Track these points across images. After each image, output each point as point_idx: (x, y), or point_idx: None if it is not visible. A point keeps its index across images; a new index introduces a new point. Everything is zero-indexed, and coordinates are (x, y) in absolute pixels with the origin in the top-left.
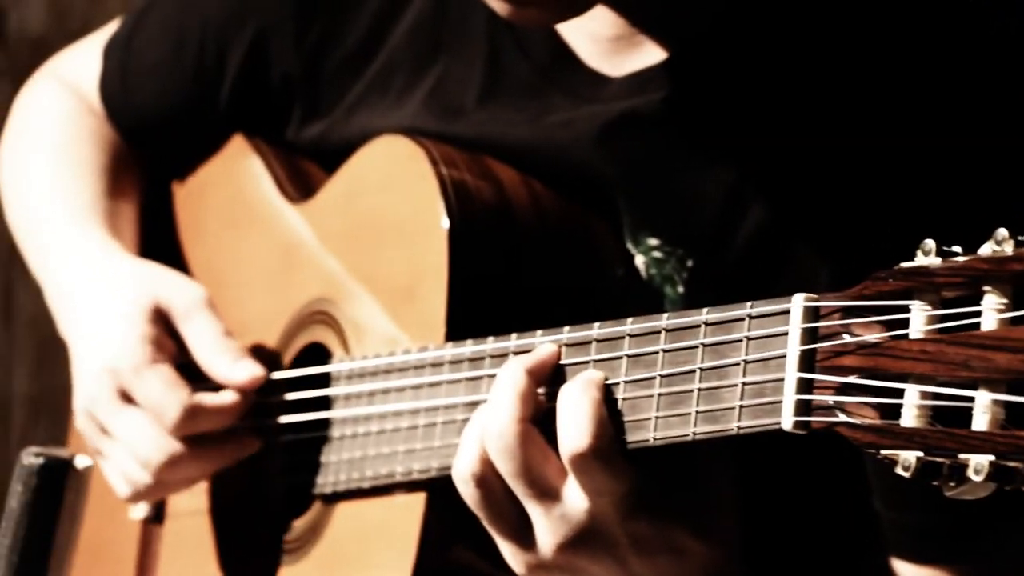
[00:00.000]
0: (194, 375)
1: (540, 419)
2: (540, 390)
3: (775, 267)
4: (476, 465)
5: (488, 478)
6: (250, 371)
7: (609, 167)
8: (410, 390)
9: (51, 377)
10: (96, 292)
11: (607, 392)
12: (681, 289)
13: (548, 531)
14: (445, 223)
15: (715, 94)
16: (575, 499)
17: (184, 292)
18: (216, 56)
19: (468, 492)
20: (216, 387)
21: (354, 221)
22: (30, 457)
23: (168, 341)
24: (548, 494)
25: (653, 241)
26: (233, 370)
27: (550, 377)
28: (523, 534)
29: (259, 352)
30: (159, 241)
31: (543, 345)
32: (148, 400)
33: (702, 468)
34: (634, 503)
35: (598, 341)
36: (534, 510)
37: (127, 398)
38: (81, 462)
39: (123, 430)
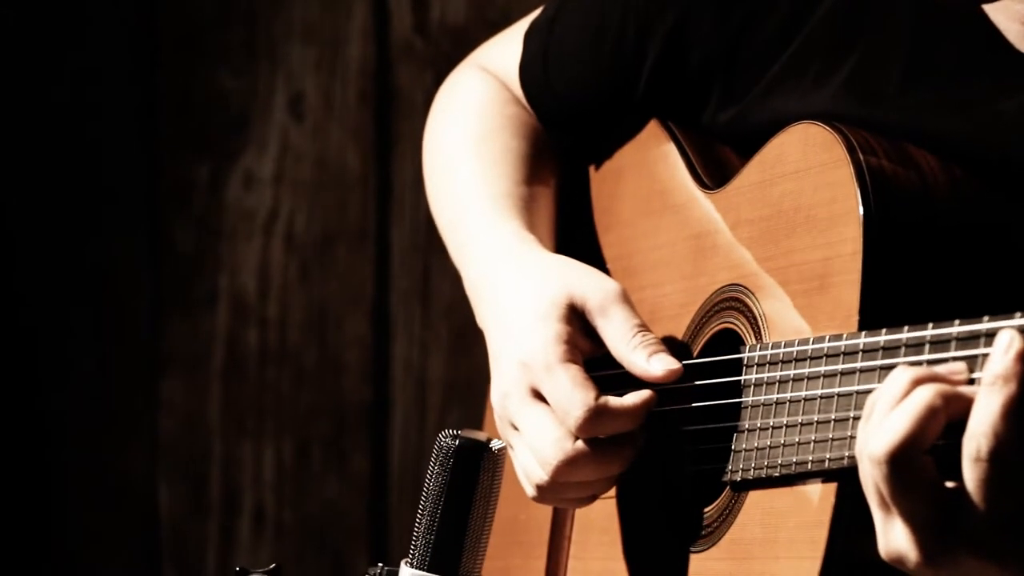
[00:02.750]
0: (609, 382)
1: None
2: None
3: None
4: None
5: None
6: (667, 364)
7: None
8: (823, 378)
9: (466, 363)
10: (512, 288)
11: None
12: None
13: (910, 536)
14: (861, 211)
15: None
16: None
17: (600, 287)
18: (636, 42)
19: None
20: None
21: (767, 208)
22: (447, 439)
23: (582, 339)
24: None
25: None
26: (651, 364)
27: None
28: (887, 529)
29: (670, 340)
30: (573, 225)
31: (957, 364)
32: (555, 398)
33: None
34: None
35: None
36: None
37: (538, 395)
38: (496, 445)
39: (528, 426)
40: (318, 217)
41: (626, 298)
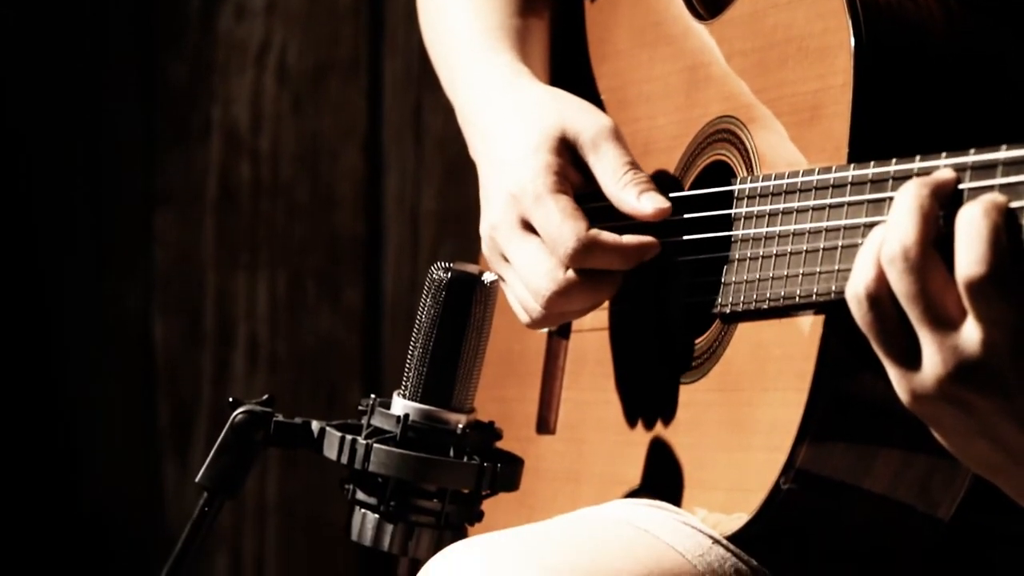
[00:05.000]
0: (598, 215)
1: (938, 244)
2: (939, 213)
3: None
4: (871, 284)
5: (882, 298)
6: (657, 203)
7: None
8: (812, 211)
9: (458, 196)
10: (505, 120)
11: (1010, 217)
12: None
13: (938, 360)
14: (852, 42)
15: None
16: (969, 328)
17: (594, 122)
18: None
19: (860, 312)
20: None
21: (760, 39)
22: (439, 271)
23: (573, 172)
24: (942, 321)
25: None
26: (640, 202)
27: (949, 200)
28: (911, 360)
29: (663, 172)
30: (568, 56)
31: (943, 170)
32: (545, 229)
33: None
34: None
35: (1005, 164)
36: (925, 336)
37: (528, 226)
38: (488, 277)
39: (520, 257)
40: (310, 49)
41: (619, 135)
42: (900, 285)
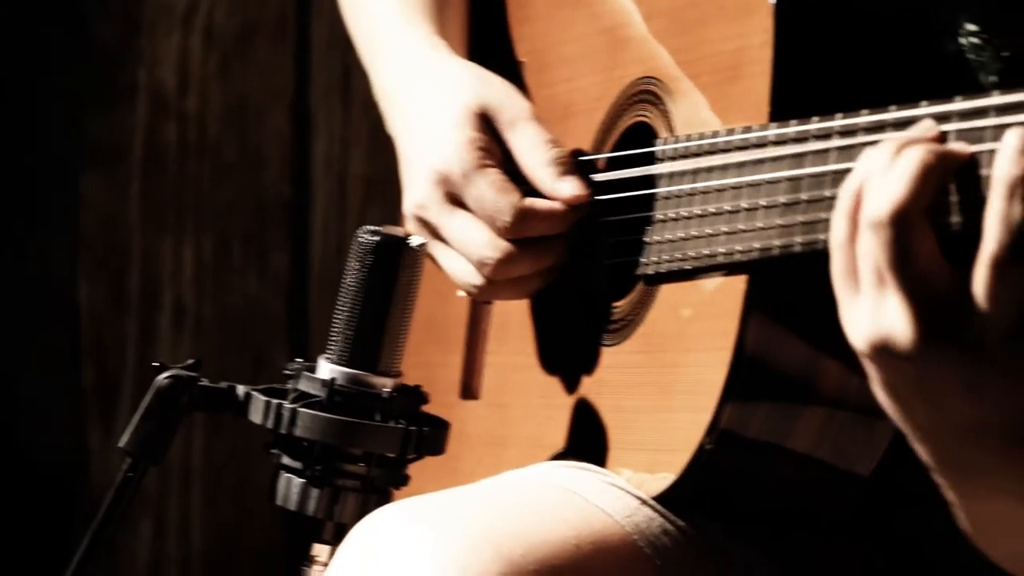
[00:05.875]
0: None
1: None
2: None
3: None
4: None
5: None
6: (574, 187)
7: None
8: (733, 169)
9: (386, 160)
10: (425, 96)
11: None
12: (992, 79)
13: (906, 312)
14: None
15: None
16: (967, 300)
17: (512, 99)
18: None
19: (837, 265)
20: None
21: None
22: (366, 235)
23: (495, 148)
24: (924, 285)
25: (971, 27)
26: (558, 185)
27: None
28: (878, 308)
29: (585, 134)
30: (488, 22)
31: (926, 122)
32: (479, 203)
33: None
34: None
35: (941, 118)
36: (902, 299)
37: (457, 202)
38: (416, 241)
39: (456, 233)
40: (237, 10)
41: (539, 118)
42: (879, 249)
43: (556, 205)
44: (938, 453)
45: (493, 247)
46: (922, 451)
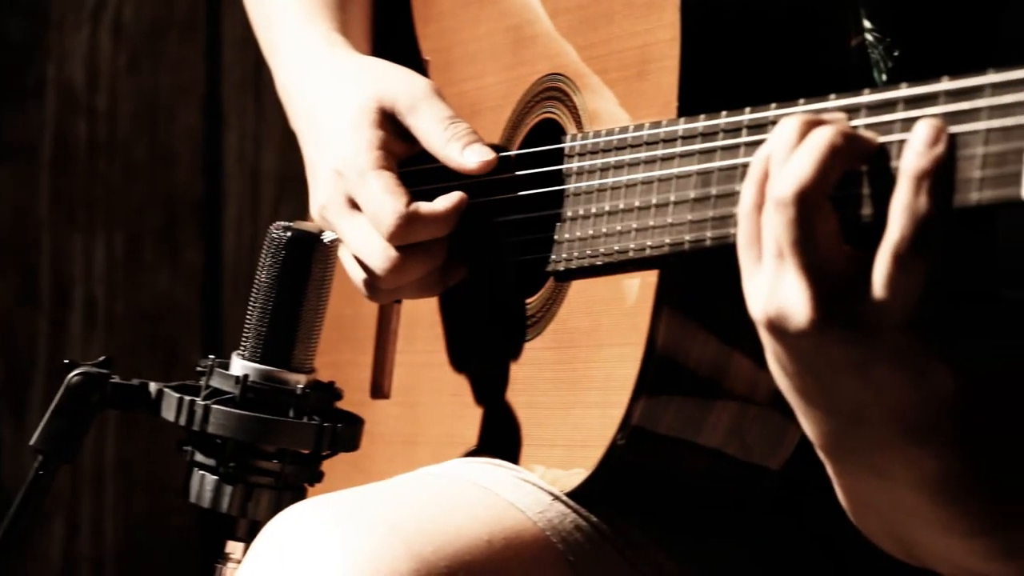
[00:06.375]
0: (429, 176)
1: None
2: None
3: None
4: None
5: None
6: (481, 155)
7: None
8: (643, 165)
9: (298, 156)
10: (322, 94)
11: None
12: (884, 78)
13: (803, 291)
14: None
15: None
16: (865, 285)
17: (408, 85)
18: None
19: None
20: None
21: None
22: (279, 230)
23: (397, 143)
24: (823, 263)
25: (867, 24)
26: (464, 156)
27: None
28: (777, 282)
29: (492, 132)
30: (392, 20)
31: (837, 115)
32: (368, 207)
33: None
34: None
35: (850, 110)
36: (801, 277)
37: (355, 204)
38: (328, 236)
39: (351, 237)
40: (147, 6)
41: (437, 93)
42: (781, 228)
43: (440, 208)
44: (820, 429)
45: (383, 256)
46: (806, 426)
